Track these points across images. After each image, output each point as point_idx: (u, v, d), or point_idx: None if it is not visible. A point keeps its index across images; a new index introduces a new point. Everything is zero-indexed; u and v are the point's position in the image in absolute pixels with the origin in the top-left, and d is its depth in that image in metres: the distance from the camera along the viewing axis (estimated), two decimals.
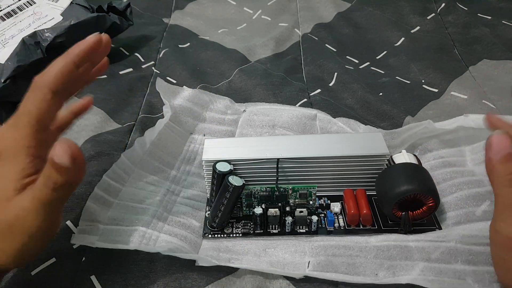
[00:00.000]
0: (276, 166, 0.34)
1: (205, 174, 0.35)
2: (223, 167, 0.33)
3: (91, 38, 0.27)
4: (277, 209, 0.33)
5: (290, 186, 0.34)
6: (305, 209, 0.33)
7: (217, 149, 0.35)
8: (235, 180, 0.32)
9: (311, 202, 0.35)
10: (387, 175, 0.33)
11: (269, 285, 0.30)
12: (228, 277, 0.30)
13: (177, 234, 0.33)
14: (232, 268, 0.31)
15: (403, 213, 0.32)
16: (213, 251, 0.32)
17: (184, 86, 0.47)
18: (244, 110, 0.46)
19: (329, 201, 0.36)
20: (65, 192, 0.25)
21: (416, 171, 0.33)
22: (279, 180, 0.35)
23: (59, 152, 0.23)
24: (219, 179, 0.33)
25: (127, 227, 0.33)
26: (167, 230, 0.33)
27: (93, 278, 0.30)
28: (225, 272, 0.31)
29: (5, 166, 0.25)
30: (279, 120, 0.44)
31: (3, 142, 0.26)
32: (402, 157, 0.34)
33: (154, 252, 0.31)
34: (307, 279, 0.30)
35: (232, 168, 0.33)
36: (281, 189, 0.34)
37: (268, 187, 0.34)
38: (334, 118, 0.45)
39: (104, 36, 0.28)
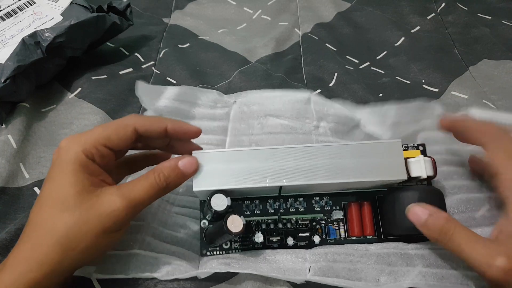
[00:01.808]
0: (278, 193, 0.33)
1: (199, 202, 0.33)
2: (219, 203, 0.29)
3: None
4: (279, 237, 0.32)
5: (294, 218, 0.33)
6: (307, 233, 0.33)
7: (209, 173, 0.30)
8: (235, 223, 0.28)
9: (314, 223, 0.34)
10: (399, 202, 0.31)
11: (270, 286, 0.30)
12: (229, 281, 0.30)
13: (175, 252, 0.32)
14: (233, 273, 0.30)
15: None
16: (212, 263, 0.31)
17: (167, 86, 0.44)
18: (235, 102, 0.44)
19: (331, 202, 0.34)
20: (163, 192, 0.28)
21: (431, 201, 0.30)
22: (281, 201, 0.33)
23: (187, 162, 0.28)
24: (216, 216, 0.30)
25: (123, 252, 0.31)
26: (164, 249, 0.32)
27: (93, 278, 0.30)
28: (225, 277, 0.31)
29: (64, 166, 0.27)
30: (271, 108, 0.42)
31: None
32: (418, 166, 0.31)
33: (152, 278, 0.30)
34: (308, 284, 0.30)
35: (229, 204, 0.29)
36: (284, 221, 0.33)
37: (270, 220, 0.32)
38: (330, 99, 0.43)
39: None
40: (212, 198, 0.29)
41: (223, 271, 0.30)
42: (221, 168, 0.30)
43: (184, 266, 0.30)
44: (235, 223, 0.28)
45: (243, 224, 0.28)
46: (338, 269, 0.30)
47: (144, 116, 0.31)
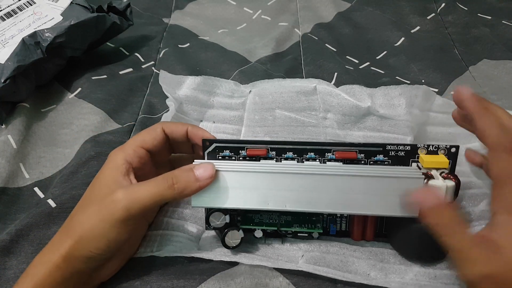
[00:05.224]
0: (278, 212, 0.32)
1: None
2: (218, 221, 0.30)
3: None
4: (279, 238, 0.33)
5: (293, 230, 0.32)
6: (306, 235, 0.32)
7: (209, 189, 0.28)
8: (232, 238, 0.30)
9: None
10: (415, 239, 0.29)
11: (269, 281, 0.30)
12: (226, 272, 0.30)
13: (180, 226, 0.33)
14: (227, 267, 0.30)
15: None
16: (212, 241, 0.32)
17: (188, 76, 0.47)
18: (250, 91, 0.46)
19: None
20: (171, 195, 0.27)
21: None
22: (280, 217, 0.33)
23: (204, 169, 0.28)
24: (215, 231, 0.32)
25: None
26: (168, 224, 0.33)
27: None
28: (223, 268, 0.30)
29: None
30: (279, 101, 0.43)
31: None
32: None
33: (156, 255, 0.31)
34: (306, 279, 0.30)
35: (228, 221, 0.30)
36: (283, 232, 0.32)
37: (268, 230, 0.32)
38: (337, 87, 0.43)
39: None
40: (211, 217, 0.30)
41: (218, 259, 0.30)
42: (222, 186, 0.28)
43: (184, 242, 0.31)
44: (233, 238, 0.30)
45: (241, 237, 0.30)
46: (330, 260, 0.30)
47: (170, 121, 0.35)
